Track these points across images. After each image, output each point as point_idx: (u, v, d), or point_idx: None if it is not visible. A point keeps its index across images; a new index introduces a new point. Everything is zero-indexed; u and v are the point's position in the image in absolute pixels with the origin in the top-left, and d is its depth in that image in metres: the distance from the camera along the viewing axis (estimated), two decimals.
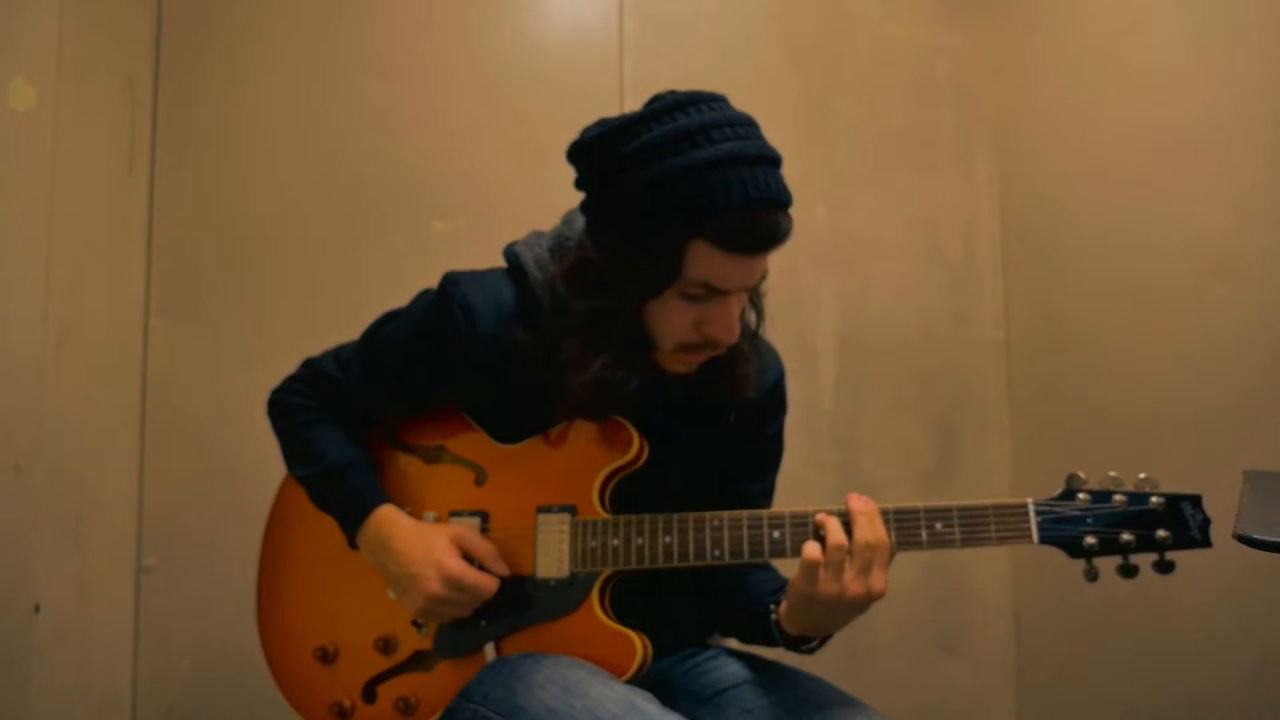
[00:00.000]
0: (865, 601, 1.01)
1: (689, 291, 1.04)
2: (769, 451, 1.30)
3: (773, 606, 1.11)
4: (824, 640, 1.11)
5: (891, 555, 1.02)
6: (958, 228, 2.24)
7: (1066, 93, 2.00)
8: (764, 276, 1.10)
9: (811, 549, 1.01)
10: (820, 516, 1.03)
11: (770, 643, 1.14)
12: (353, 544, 1.19)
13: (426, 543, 1.13)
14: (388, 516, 1.17)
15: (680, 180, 0.99)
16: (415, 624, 1.18)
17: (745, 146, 1.00)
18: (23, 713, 1.62)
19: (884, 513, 1.04)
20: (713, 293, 1.04)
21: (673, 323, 1.07)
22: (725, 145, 0.99)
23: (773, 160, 1.02)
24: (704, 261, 1.01)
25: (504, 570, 1.14)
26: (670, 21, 2.20)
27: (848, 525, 1.02)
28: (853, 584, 1.00)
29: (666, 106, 1.02)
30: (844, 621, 1.05)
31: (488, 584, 1.12)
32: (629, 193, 1.02)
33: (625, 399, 1.11)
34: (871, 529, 1.01)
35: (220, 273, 2.08)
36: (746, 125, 1.03)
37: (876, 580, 1.00)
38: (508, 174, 2.11)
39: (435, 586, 1.10)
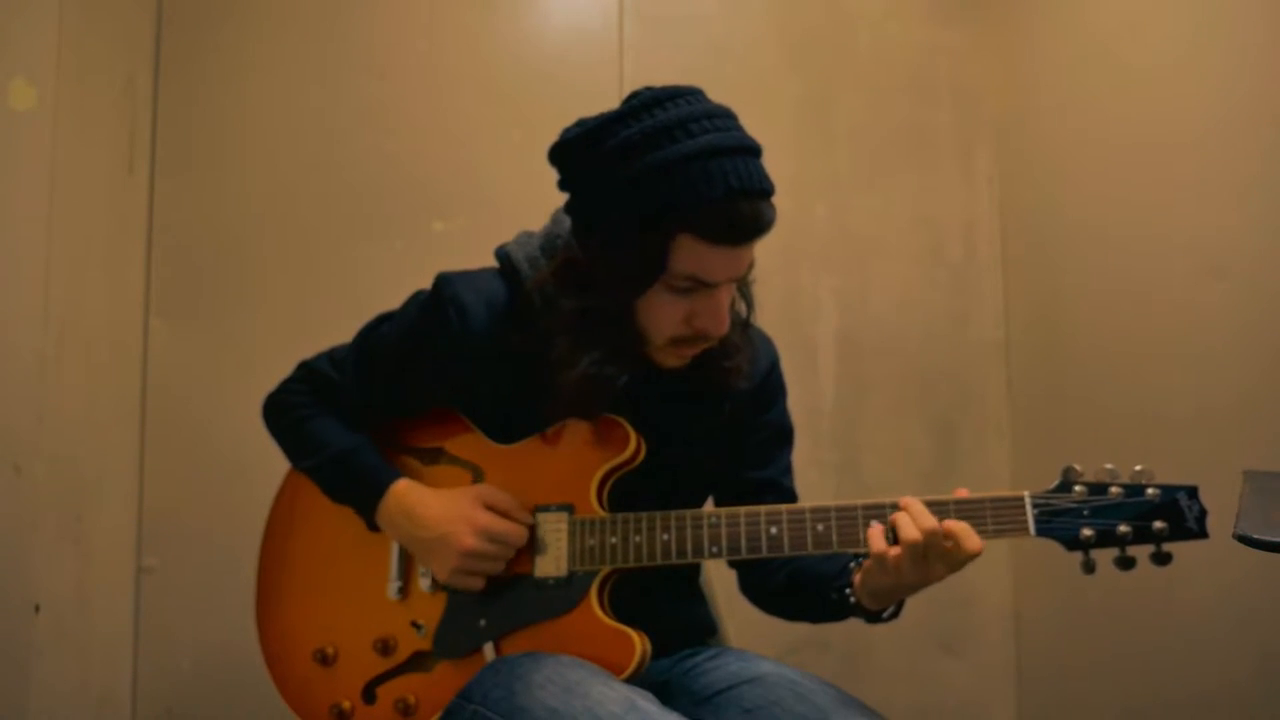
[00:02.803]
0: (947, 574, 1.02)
1: (676, 285, 1.04)
2: (777, 435, 1.30)
3: (848, 590, 1.11)
4: (900, 606, 1.12)
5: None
6: (958, 228, 2.24)
7: (1066, 92, 2.00)
8: (751, 266, 1.10)
9: (877, 541, 1.02)
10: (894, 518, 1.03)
11: (846, 617, 1.15)
12: (372, 524, 1.19)
13: (453, 502, 1.14)
14: (407, 488, 1.17)
15: (661, 176, 0.99)
16: (414, 625, 1.18)
17: (724, 138, 1.00)
18: (23, 712, 1.62)
19: (881, 507, 1.04)
20: (700, 285, 1.04)
21: (662, 317, 1.07)
22: (704, 138, 0.99)
23: (752, 150, 1.03)
24: (689, 255, 1.02)
25: (529, 519, 1.15)
26: (670, 21, 2.20)
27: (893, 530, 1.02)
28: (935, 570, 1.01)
29: (644, 103, 1.02)
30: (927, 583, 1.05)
31: (519, 532, 1.13)
32: (611, 191, 1.03)
33: (615, 395, 1.11)
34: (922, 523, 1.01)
35: (220, 273, 2.08)
36: (724, 117, 1.03)
37: (971, 544, 1.00)
38: (508, 174, 2.11)
39: (470, 540, 1.11)
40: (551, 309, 1.10)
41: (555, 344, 1.10)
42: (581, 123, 1.06)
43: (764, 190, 1.02)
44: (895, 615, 1.13)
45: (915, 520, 1.01)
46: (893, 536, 1.02)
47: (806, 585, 1.20)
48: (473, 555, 1.11)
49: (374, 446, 1.22)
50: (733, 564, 1.30)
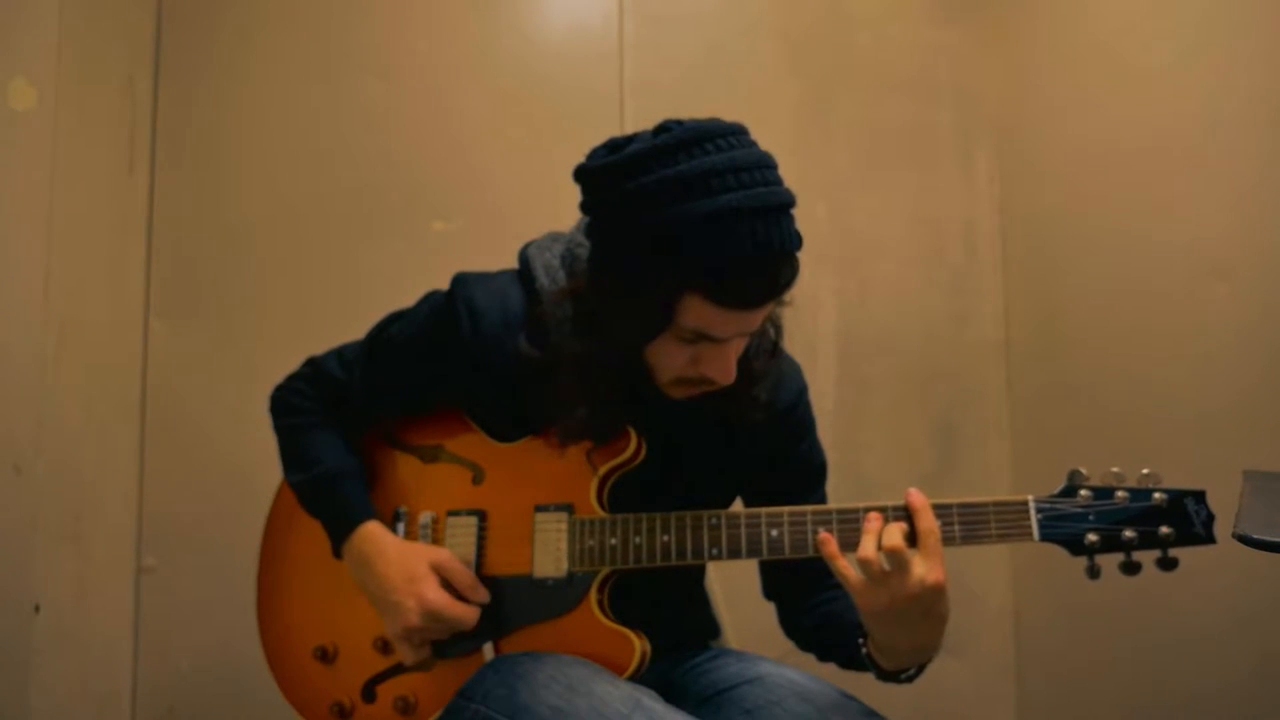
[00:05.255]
0: (924, 598, 0.96)
1: (683, 336, 1.02)
2: (808, 470, 1.27)
3: (861, 641, 1.09)
4: (921, 668, 1.08)
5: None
6: (958, 228, 2.24)
7: (1066, 92, 1.99)
8: (781, 303, 1.08)
9: (868, 548, 0.98)
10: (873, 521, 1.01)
11: (863, 669, 1.12)
12: (337, 554, 1.19)
13: (408, 569, 1.12)
14: (371, 534, 1.16)
15: (675, 234, 0.95)
16: None
17: (746, 198, 0.94)
18: (23, 712, 1.62)
19: (883, 510, 1.03)
20: (707, 339, 1.02)
21: (668, 361, 1.05)
22: (724, 197, 0.94)
23: (779, 207, 0.97)
24: (697, 314, 0.99)
25: (484, 598, 1.13)
26: (670, 21, 2.20)
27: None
28: (900, 587, 0.96)
29: (672, 145, 0.96)
30: (921, 635, 1.02)
31: (468, 616, 1.11)
32: (624, 239, 1.00)
33: (624, 410, 1.11)
34: (890, 534, 0.98)
35: (220, 273, 2.08)
36: (754, 169, 0.96)
37: (927, 573, 0.96)
38: (508, 174, 2.10)
39: (414, 619, 1.10)
40: (561, 334, 1.09)
41: (560, 376, 1.08)
42: (612, 146, 1.02)
43: (783, 251, 0.98)
44: (912, 679, 1.09)
45: (916, 520, 0.99)
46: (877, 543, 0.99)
47: (833, 630, 1.17)
48: (414, 631, 1.11)
49: (361, 476, 1.21)
50: (769, 596, 1.29)
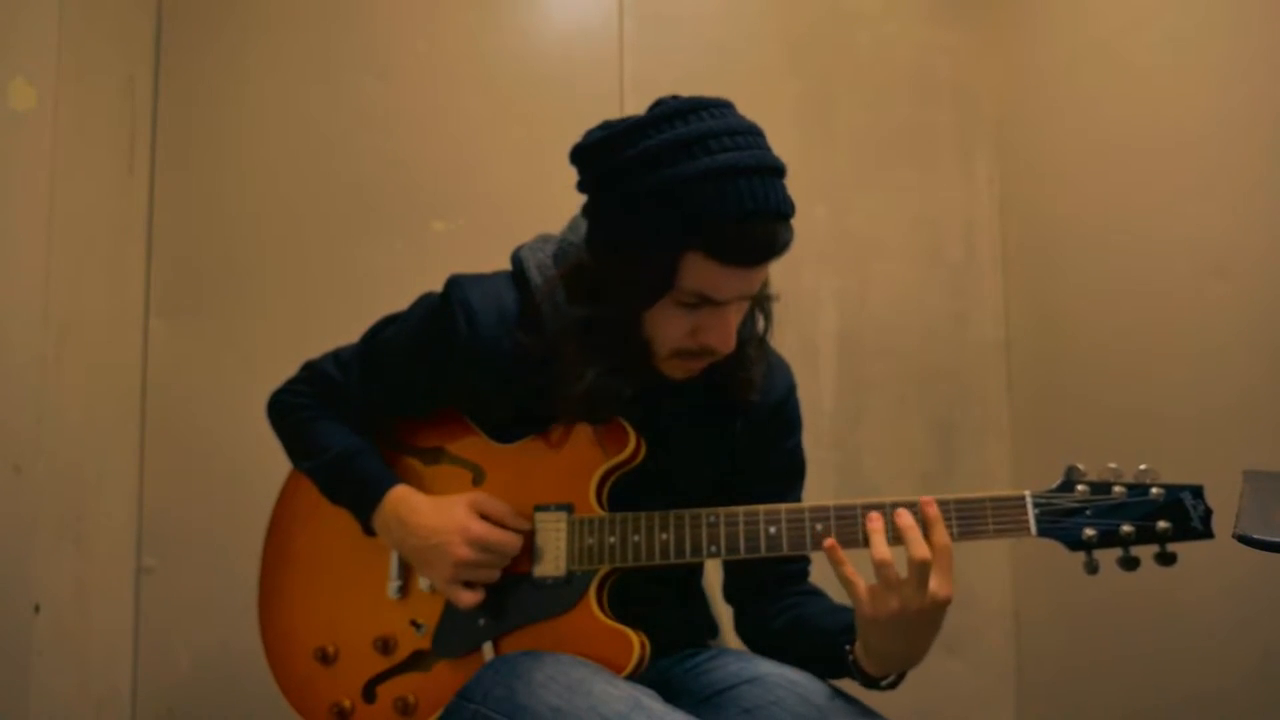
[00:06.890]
0: (933, 611, 0.97)
1: (684, 300, 1.03)
2: (790, 468, 1.28)
3: (848, 646, 1.09)
4: (901, 675, 1.08)
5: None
6: (958, 228, 2.24)
7: (1066, 93, 2.00)
8: (766, 284, 1.10)
9: (880, 546, 1.00)
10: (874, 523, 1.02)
11: (845, 676, 1.11)
12: (368, 529, 1.19)
13: (446, 512, 1.13)
14: (402, 496, 1.17)
15: (675, 191, 0.97)
16: (414, 624, 1.18)
17: (744, 157, 0.98)
18: (23, 713, 1.62)
19: (881, 506, 1.03)
20: (708, 302, 1.03)
21: (668, 330, 1.06)
22: (723, 156, 0.97)
23: (773, 170, 1.00)
24: (698, 273, 1.00)
25: (525, 525, 1.14)
26: (670, 21, 2.20)
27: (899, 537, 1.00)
28: (913, 598, 0.97)
29: (668, 113, 1.00)
30: (918, 643, 1.02)
31: (512, 541, 1.12)
32: (625, 202, 1.01)
33: (621, 406, 1.11)
34: (920, 545, 0.98)
35: (220, 273, 2.08)
36: (747, 134, 1.00)
37: (940, 588, 0.97)
38: (508, 174, 2.11)
39: (463, 551, 1.10)
40: (559, 316, 1.10)
41: (560, 353, 1.09)
42: (606, 125, 1.04)
43: (780, 212, 1.00)
44: (894, 685, 1.09)
45: (930, 533, 0.99)
46: (893, 535, 1.01)
47: (807, 635, 1.17)
48: (466, 565, 1.11)
49: (375, 450, 1.22)
50: (729, 599, 1.29)
